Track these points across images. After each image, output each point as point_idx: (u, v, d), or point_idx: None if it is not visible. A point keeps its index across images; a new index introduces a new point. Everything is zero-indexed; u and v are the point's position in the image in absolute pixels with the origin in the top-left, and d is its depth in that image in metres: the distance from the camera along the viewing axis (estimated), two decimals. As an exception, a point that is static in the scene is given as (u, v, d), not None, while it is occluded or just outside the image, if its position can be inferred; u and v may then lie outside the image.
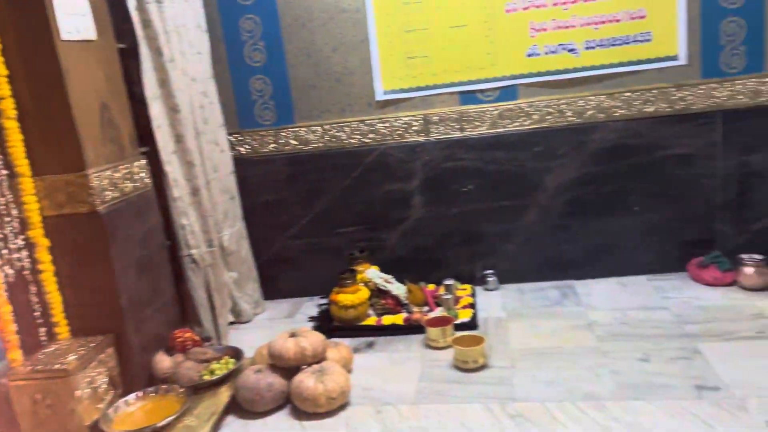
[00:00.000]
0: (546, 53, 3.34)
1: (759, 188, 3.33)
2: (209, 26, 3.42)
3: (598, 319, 3.02)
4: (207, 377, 2.61)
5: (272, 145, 3.63)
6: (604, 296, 3.29)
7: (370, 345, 3.06)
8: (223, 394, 2.57)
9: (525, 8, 3.30)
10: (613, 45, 3.29)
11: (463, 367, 2.68)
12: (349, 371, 2.72)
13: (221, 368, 2.67)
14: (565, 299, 3.32)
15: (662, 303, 3.13)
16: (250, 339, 3.17)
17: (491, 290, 3.55)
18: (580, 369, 2.58)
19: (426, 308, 3.28)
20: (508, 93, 3.43)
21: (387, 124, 3.51)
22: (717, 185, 3.36)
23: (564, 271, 3.56)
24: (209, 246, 3.18)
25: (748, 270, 3.15)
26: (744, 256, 3.22)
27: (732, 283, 3.23)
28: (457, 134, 3.48)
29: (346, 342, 2.94)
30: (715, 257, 3.29)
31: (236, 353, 2.80)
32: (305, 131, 3.59)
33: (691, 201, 3.40)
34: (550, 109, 3.40)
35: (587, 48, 3.30)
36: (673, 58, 3.27)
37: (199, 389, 2.58)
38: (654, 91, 3.32)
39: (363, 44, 3.45)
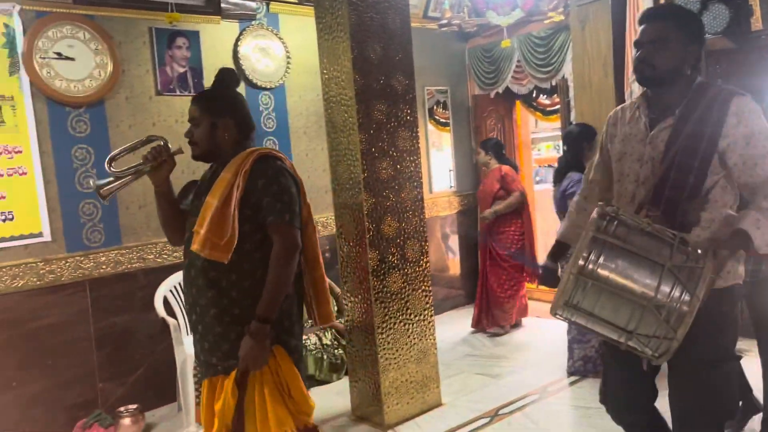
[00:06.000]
0: None
1: (130, 344, 3.81)
2: None
3: None
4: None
5: None
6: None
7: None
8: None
9: None
10: (-27, 224, 3.29)
11: None
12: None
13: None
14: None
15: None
16: None
17: None
18: None
19: None
20: None
21: None
22: (93, 347, 3.66)
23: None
24: None
25: (125, 421, 3.50)
26: (122, 408, 3.56)
27: (118, 437, 3.50)
28: None
29: None
30: (97, 416, 3.52)
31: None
32: None
33: (70, 366, 3.58)
34: None
35: (-59, 227, 3.20)
36: (38, 234, 3.50)
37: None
38: (22, 266, 3.45)
39: None
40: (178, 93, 4.02)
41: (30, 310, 3.46)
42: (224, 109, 2.09)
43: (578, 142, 3.76)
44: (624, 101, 4.58)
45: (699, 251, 1.69)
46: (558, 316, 1.78)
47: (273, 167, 2.05)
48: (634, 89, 4.49)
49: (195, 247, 1.99)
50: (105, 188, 2.06)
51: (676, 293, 1.64)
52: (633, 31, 4.47)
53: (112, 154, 2.13)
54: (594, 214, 1.74)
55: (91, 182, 2.09)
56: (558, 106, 5.21)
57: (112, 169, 2.09)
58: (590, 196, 2.17)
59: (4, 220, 3.38)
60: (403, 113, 3.45)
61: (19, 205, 3.43)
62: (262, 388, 2.02)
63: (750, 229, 1.72)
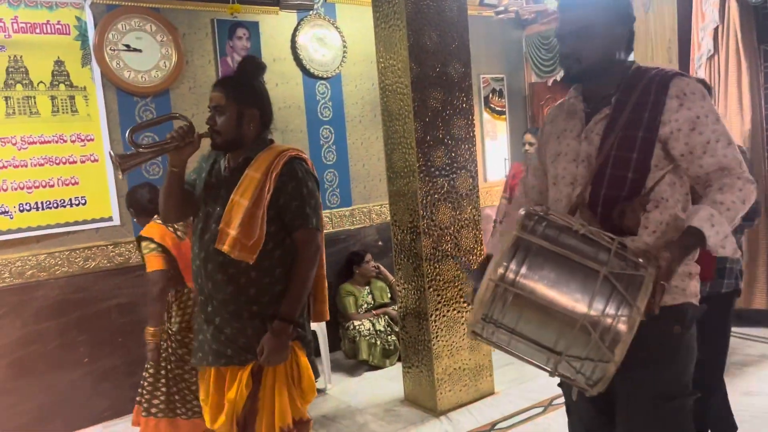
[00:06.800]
0: (-25, 215, 3.28)
1: (192, 325, 3.96)
2: None
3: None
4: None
5: None
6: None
7: None
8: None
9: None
10: (49, 208, 3.49)
11: None
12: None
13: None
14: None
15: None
16: None
17: None
18: None
19: None
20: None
21: None
22: (158, 327, 3.83)
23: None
24: None
25: (188, 398, 3.66)
26: (185, 386, 3.72)
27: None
28: None
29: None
30: (161, 392, 3.69)
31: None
32: None
33: (137, 345, 3.74)
34: (-16, 271, 3.30)
35: (21, 210, 3.40)
36: (108, 219, 3.68)
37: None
38: (93, 249, 3.63)
39: None
40: (238, 83, 4.12)
41: (100, 290, 3.65)
42: (251, 99, 2.05)
43: None
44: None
45: (641, 260, 1.41)
46: (478, 337, 1.48)
47: (302, 170, 2.06)
48: (699, 75, 4.33)
49: (225, 247, 1.98)
50: (125, 161, 1.93)
51: (613, 306, 1.35)
52: (700, 14, 4.30)
53: (134, 126, 2.04)
54: (520, 212, 1.49)
55: (111, 153, 2.03)
56: (618, 94, 5.07)
57: (135, 142, 1.97)
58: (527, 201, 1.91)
59: (77, 205, 3.57)
60: (459, 101, 3.44)
61: (91, 191, 3.61)
62: (274, 381, 2.06)
63: (703, 226, 1.43)
